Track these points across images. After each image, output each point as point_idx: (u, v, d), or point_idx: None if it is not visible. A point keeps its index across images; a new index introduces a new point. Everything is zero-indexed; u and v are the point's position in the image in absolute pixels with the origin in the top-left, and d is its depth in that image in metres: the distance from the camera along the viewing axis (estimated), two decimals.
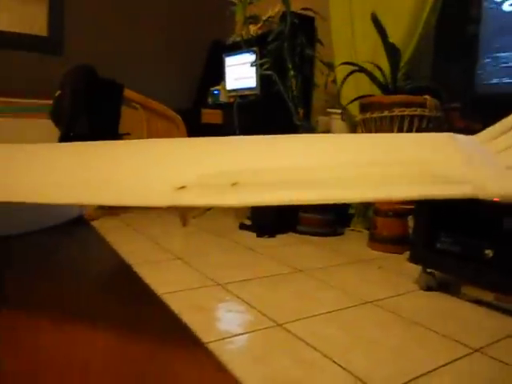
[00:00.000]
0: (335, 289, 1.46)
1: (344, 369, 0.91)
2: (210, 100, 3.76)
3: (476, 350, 1.03)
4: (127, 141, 0.26)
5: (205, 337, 1.04)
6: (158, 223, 2.54)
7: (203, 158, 0.18)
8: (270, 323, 1.14)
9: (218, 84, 3.68)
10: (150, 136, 2.67)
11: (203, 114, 3.53)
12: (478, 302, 1.36)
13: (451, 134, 0.23)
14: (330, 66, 2.72)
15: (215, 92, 3.71)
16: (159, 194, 0.16)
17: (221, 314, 1.23)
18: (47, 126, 2.90)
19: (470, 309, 1.33)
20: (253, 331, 1.10)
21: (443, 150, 0.19)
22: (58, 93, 2.46)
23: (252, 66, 2.90)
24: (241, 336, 1.07)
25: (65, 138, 2.52)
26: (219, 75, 3.62)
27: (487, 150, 0.20)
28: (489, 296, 1.33)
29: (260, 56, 2.95)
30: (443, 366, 0.96)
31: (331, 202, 0.16)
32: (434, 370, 0.94)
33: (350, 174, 0.17)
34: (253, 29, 3.33)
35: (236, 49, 3.39)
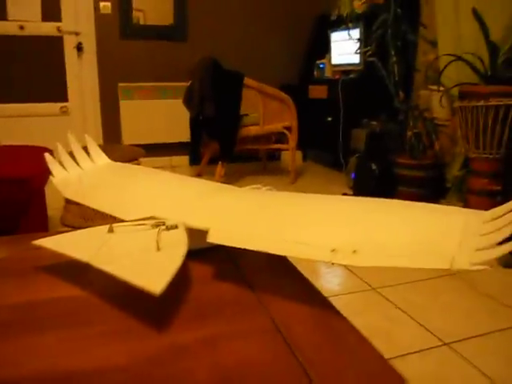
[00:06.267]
0: None
1: (421, 325, 1.23)
2: (316, 73, 3.97)
3: None
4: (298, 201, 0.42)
5: None
6: None
7: (339, 233, 0.35)
8: (367, 287, 1.47)
9: (323, 57, 3.88)
10: (264, 115, 3.03)
11: (310, 89, 3.78)
12: None
13: (468, 213, 0.35)
14: (434, 44, 2.81)
15: (321, 65, 3.92)
16: (322, 253, 0.33)
17: (329, 277, 1.58)
18: (176, 106, 3.38)
19: None
20: (353, 292, 1.44)
21: (449, 232, 0.33)
22: (190, 82, 2.89)
23: (356, 53, 3.08)
24: (343, 295, 1.41)
25: (195, 119, 2.98)
26: (324, 50, 3.82)
27: (479, 231, 0.32)
28: None
29: (364, 33, 3.11)
30: (502, 330, 1.23)
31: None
32: (493, 332, 1.21)
33: (409, 250, 0.33)
34: (357, 4, 3.46)
35: (341, 23, 3.55)
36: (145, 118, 3.64)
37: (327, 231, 0.43)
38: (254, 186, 0.65)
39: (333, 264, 0.41)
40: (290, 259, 0.49)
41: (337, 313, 0.42)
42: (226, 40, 3.87)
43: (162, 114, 3.67)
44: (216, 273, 0.48)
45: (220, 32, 3.87)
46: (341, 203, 0.51)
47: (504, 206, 0.41)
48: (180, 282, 0.44)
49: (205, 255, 0.51)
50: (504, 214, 0.41)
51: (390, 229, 0.44)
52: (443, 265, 0.37)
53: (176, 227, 0.49)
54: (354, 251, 0.41)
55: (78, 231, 0.49)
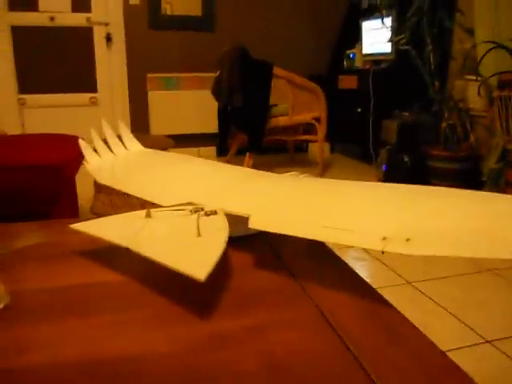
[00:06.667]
0: None
1: (460, 320, 1.19)
2: (345, 63, 3.91)
3: None
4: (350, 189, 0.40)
5: None
6: None
7: (390, 220, 0.34)
8: (401, 280, 1.44)
9: (353, 47, 3.81)
10: (293, 105, 3.00)
11: (339, 80, 3.72)
12: None
13: None
14: (471, 32, 2.72)
15: (351, 55, 3.85)
16: (371, 240, 0.32)
17: (361, 270, 1.55)
18: (205, 97, 3.37)
19: None
20: (387, 286, 1.41)
21: (508, 220, 0.31)
22: (218, 72, 2.88)
23: (389, 41, 3.01)
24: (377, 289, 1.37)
25: (223, 110, 2.97)
26: (354, 39, 3.75)
27: None
28: None
29: (397, 21, 3.04)
30: None
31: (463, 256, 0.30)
32: None
33: (469, 238, 0.31)
34: None
35: (372, 12, 3.47)
36: (173, 108, 3.65)
37: (376, 218, 0.41)
38: (291, 172, 0.64)
39: (383, 253, 0.39)
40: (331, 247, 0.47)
41: (386, 302, 0.40)
42: (253, 30, 3.85)
43: (191, 105, 3.68)
44: (257, 261, 0.47)
45: (248, 22, 3.85)
46: (385, 189, 0.49)
47: None
48: (221, 269, 0.44)
49: (244, 242, 0.49)
50: None
51: (444, 216, 0.41)
52: (508, 255, 0.35)
53: (215, 213, 0.47)
54: (408, 239, 0.39)
55: (115, 216, 0.48)
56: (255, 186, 0.55)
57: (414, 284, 1.41)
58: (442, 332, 1.11)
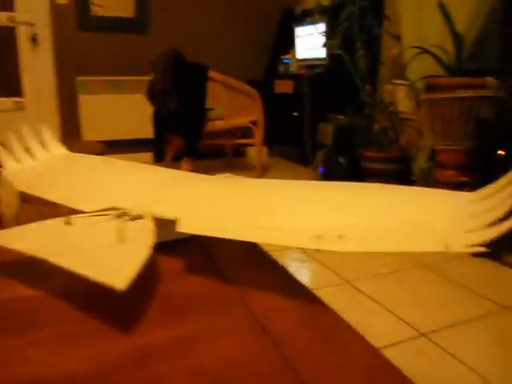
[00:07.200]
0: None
1: (397, 316, 1.21)
2: (281, 69, 3.96)
3: (505, 307, 1.30)
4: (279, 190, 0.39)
5: None
6: None
7: (323, 218, 0.34)
8: (340, 280, 1.45)
9: (288, 53, 3.87)
10: (230, 109, 2.98)
11: (275, 84, 3.76)
12: None
13: (456, 194, 0.34)
14: (397, 38, 2.84)
15: (286, 61, 3.91)
16: (303, 239, 0.31)
17: (301, 271, 1.56)
18: (139, 101, 3.29)
19: (511, 274, 1.56)
20: (326, 286, 1.42)
21: (440, 214, 0.31)
22: (152, 76, 2.81)
23: (323, 46, 3.08)
24: (316, 290, 1.38)
25: (158, 114, 2.90)
26: (289, 44, 3.81)
27: (471, 212, 0.31)
28: None
29: (330, 26, 3.11)
30: (475, 318, 1.24)
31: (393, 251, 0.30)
32: (468, 321, 1.22)
33: (395, 234, 0.31)
34: None
35: (305, 18, 3.54)
36: (106, 113, 3.52)
37: (309, 216, 0.40)
38: (225, 174, 0.62)
39: (316, 251, 0.38)
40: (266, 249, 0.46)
41: (323, 304, 0.39)
42: (189, 34, 3.80)
43: (124, 110, 3.57)
44: (188, 266, 0.45)
45: (183, 26, 3.80)
46: (319, 188, 0.49)
47: (492, 185, 0.39)
48: (148, 277, 0.41)
49: (175, 247, 0.48)
50: (494, 194, 0.38)
51: (377, 212, 0.41)
52: (438, 248, 0.35)
53: (141, 217, 0.45)
54: (340, 236, 0.38)
55: (30, 224, 0.44)
56: (185, 189, 0.53)
57: (352, 283, 1.43)
58: (380, 328, 1.13)
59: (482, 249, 0.34)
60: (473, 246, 0.33)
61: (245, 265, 0.46)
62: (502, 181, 0.39)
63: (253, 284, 0.41)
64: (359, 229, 0.38)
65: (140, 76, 3.51)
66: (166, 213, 0.44)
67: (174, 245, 0.47)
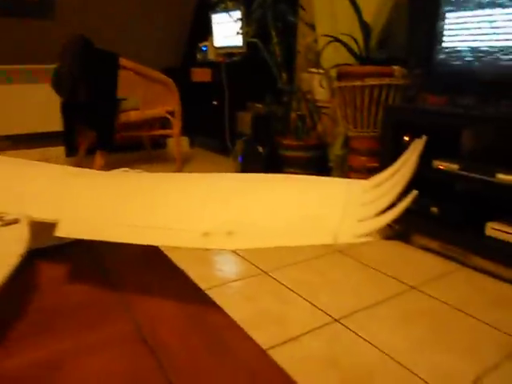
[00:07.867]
0: None
1: (313, 304, 1.24)
2: (198, 56, 3.89)
3: (412, 287, 1.37)
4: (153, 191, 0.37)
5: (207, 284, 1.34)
6: None
7: (213, 214, 0.32)
8: (258, 271, 1.45)
9: (206, 40, 3.80)
10: (145, 99, 2.88)
11: (193, 72, 3.69)
12: (426, 249, 1.68)
13: (350, 183, 0.34)
14: (312, 27, 2.88)
15: (203, 48, 3.84)
16: (191, 238, 0.30)
17: (218, 265, 1.54)
18: (46, 91, 3.08)
19: (419, 254, 1.65)
20: (244, 278, 1.41)
21: (332, 204, 0.32)
22: (58, 64, 2.63)
23: (238, 34, 3.05)
24: (234, 282, 1.38)
25: (67, 105, 2.73)
26: (207, 31, 3.74)
27: (362, 201, 0.31)
28: (433, 244, 1.65)
29: (245, 14, 3.10)
30: (385, 300, 1.29)
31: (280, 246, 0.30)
32: (378, 303, 1.27)
33: (290, 227, 0.31)
34: None
35: (220, 4, 3.49)
36: (7, 105, 3.26)
37: (199, 213, 0.39)
38: (122, 169, 0.59)
39: (207, 250, 0.35)
40: (162, 249, 0.43)
41: (214, 307, 0.37)
42: (100, 20, 3.62)
43: (28, 101, 3.32)
44: (72, 273, 0.41)
45: (93, 11, 3.60)
46: (218, 182, 0.47)
47: (381, 174, 0.40)
48: (22, 288, 0.37)
49: (60, 252, 0.44)
50: (382, 182, 0.39)
51: (268, 206, 0.40)
52: (326, 240, 0.34)
53: (16, 222, 0.40)
54: (229, 233, 0.36)
55: None
56: (71, 188, 0.49)
57: (270, 273, 1.44)
58: (297, 317, 1.14)
59: (370, 238, 0.34)
60: (361, 235, 0.33)
61: (137, 269, 0.43)
62: (391, 169, 0.40)
63: (142, 289, 0.38)
64: (249, 224, 0.37)
65: (44, 64, 3.28)
66: (47, 215, 0.41)
67: (59, 249, 0.43)
